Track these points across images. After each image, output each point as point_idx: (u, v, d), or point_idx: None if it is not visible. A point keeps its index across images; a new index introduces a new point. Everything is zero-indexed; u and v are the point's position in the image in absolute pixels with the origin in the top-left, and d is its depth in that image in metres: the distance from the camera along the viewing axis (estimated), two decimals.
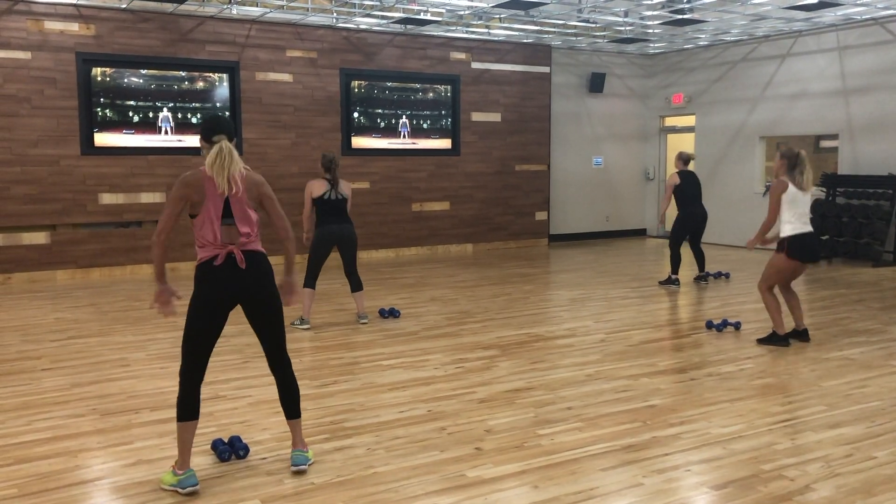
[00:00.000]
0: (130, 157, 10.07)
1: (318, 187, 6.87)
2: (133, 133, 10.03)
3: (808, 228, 6.16)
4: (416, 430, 4.32)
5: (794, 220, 6.10)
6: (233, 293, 3.58)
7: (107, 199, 9.98)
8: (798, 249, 6.12)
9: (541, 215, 13.41)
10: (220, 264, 3.53)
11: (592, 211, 14.34)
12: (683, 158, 9.18)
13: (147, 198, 10.19)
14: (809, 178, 6.13)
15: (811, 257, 6.22)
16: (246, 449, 3.92)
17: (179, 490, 3.47)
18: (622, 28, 11.84)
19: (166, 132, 10.18)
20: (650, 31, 12.03)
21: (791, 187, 6.10)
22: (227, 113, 10.58)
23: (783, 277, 6.30)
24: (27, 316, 7.53)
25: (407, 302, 8.17)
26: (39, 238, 9.68)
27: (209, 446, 4.00)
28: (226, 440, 4.00)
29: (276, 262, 3.82)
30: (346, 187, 6.99)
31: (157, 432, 4.26)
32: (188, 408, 3.54)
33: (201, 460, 3.87)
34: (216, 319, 3.57)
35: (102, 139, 9.90)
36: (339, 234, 6.91)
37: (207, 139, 3.60)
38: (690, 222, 9.16)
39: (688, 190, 9.04)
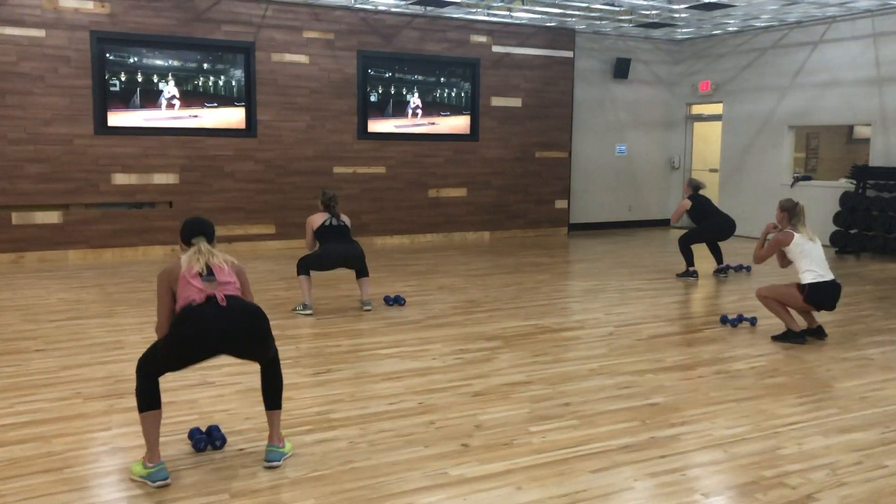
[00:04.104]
0: (144, 137, 10.00)
1: (317, 219, 6.85)
2: (147, 111, 9.94)
3: (830, 276, 5.96)
4: (403, 424, 4.16)
5: (814, 267, 5.91)
6: (215, 334, 3.40)
7: (120, 179, 9.93)
8: (817, 297, 5.93)
9: (560, 203, 13.15)
10: (199, 304, 3.39)
11: (614, 200, 14.05)
12: (693, 186, 9.07)
13: (160, 179, 10.12)
14: (807, 226, 6.00)
15: (829, 306, 6.02)
16: (223, 439, 3.79)
17: (149, 483, 3.35)
18: (648, 12, 11.50)
19: (171, 105, 10.03)
20: (677, 15, 11.68)
21: (797, 237, 5.93)
22: (242, 95, 10.47)
23: (788, 304, 6.06)
24: (31, 295, 7.49)
25: (415, 289, 8.00)
26: (52, 217, 9.66)
27: (186, 435, 3.87)
28: (204, 429, 3.87)
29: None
30: (346, 219, 6.96)
31: (137, 419, 4.11)
32: (149, 398, 3.41)
33: (177, 449, 3.75)
34: (188, 362, 3.48)
35: (116, 119, 9.83)
36: (343, 254, 6.83)
37: (186, 242, 3.58)
38: (711, 233, 8.99)
39: (702, 209, 8.93)
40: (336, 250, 6.80)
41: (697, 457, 3.79)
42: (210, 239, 3.61)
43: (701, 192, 9.08)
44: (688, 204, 8.95)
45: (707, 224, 8.95)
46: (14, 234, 9.46)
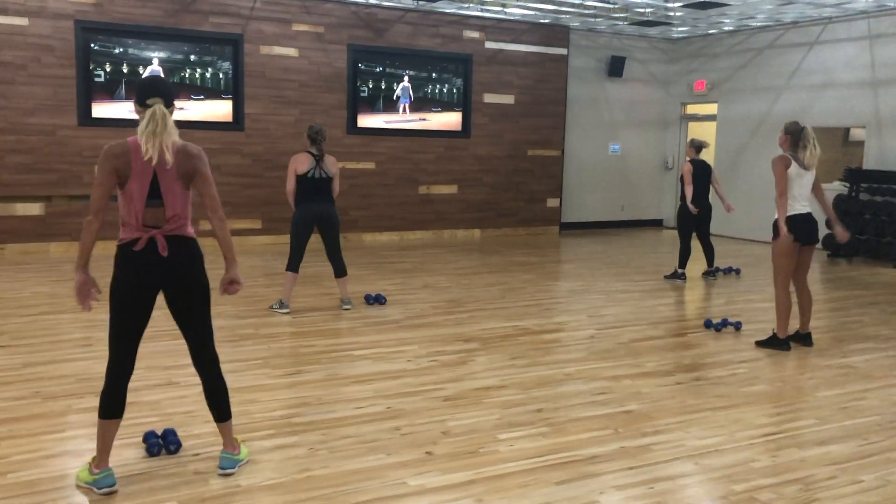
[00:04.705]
0: (129, 129, 9.75)
1: (302, 162, 6.55)
2: (131, 103, 9.78)
3: (806, 209, 5.77)
4: (368, 430, 4.04)
5: (791, 200, 5.71)
6: (153, 281, 3.29)
7: None
8: (798, 230, 5.72)
9: (553, 202, 13.02)
10: (140, 250, 3.25)
11: (607, 199, 13.92)
12: (696, 146, 8.72)
13: None
14: (814, 155, 5.71)
15: (808, 238, 5.82)
16: (178, 444, 3.67)
17: (95, 489, 3.23)
18: (643, 10, 11.37)
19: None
20: (672, 13, 11.54)
21: (794, 164, 5.71)
22: (230, 88, 10.34)
23: (791, 262, 5.82)
24: (6, 289, 7.36)
25: (398, 288, 7.88)
26: (34, 209, 9.53)
27: (142, 438, 3.75)
28: (160, 432, 3.75)
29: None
30: (332, 165, 6.67)
31: (93, 421, 3.96)
32: (112, 405, 3.27)
33: (130, 453, 3.63)
34: (138, 309, 3.30)
35: (100, 110, 9.70)
36: (318, 213, 6.61)
37: (141, 103, 3.27)
38: (692, 215, 8.73)
39: (696, 180, 8.61)
40: (313, 211, 6.58)
41: (667, 469, 3.67)
42: (168, 101, 3.30)
43: (702, 153, 8.79)
44: (690, 168, 8.61)
45: (686, 205, 8.65)
46: None
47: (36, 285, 7.56)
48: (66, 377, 4.76)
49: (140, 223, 3.25)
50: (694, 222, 8.75)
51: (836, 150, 14.49)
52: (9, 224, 9.41)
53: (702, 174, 8.66)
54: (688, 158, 8.76)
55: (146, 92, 3.30)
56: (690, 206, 8.76)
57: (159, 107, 3.23)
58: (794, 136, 5.76)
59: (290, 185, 6.60)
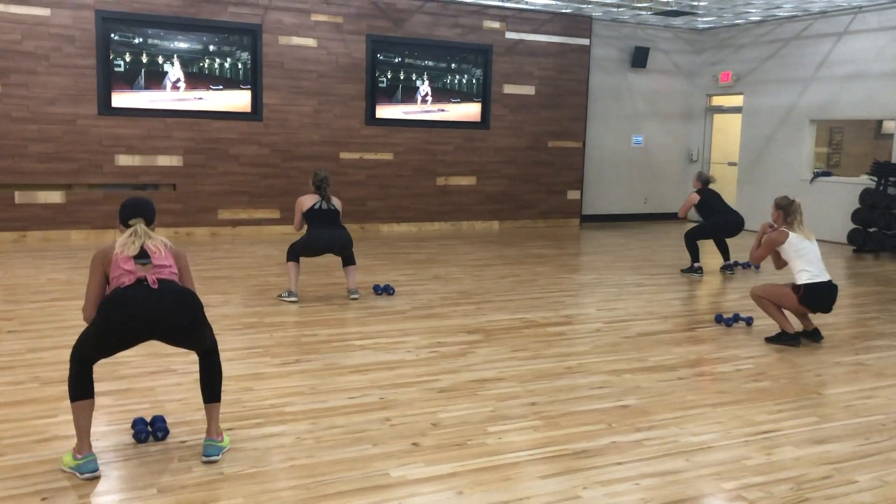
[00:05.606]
0: (148, 118, 9.96)
1: (307, 201, 6.75)
2: (151, 93, 9.90)
3: (826, 277, 5.71)
4: (357, 420, 4.03)
5: (810, 267, 5.67)
6: (144, 318, 3.27)
7: (123, 160, 9.90)
8: (812, 299, 5.69)
9: (573, 194, 12.90)
10: (128, 286, 3.29)
11: (629, 192, 13.76)
12: (702, 179, 8.88)
13: (164, 161, 10.08)
14: (804, 225, 5.76)
15: (825, 308, 5.77)
16: (165, 431, 3.69)
17: (77, 475, 3.26)
18: None
19: (175, 87, 9.98)
20: (697, 3, 11.35)
21: (793, 236, 5.71)
22: (248, 80, 10.38)
23: (782, 305, 5.84)
24: (22, 275, 7.48)
25: (409, 279, 7.87)
26: (55, 197, 9.68)
27: (130, 424, 3.78)
28: (149, 419, 3.78)
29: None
30: (337, 202, 6.85)
31: None
32: (81, 387, 3.32)
33: (117, 439, 3.66)
34: (117, 347, 3.38)
35: (120, 100, 9.80)
36: (330, 240, 6.72)
37: (124, 223, 3.47)
38: (717, 229, 8.77)
39: (710, 204, 8.70)
40: (322, 236, 6.70)
41: (656, 465, 3.61)
42: (149, 221, 3.50)
43: (710, 186, 8.88)
44: (696, 198, 8.74)
45: (713, 220, 8.73)
46: (17, 213, 9.50)
47: (52, 272, 7.67)
48: (67, 363, 4.80)
49: (131, 268, 3.32)
50: (716, 235, 8.85)
51: (868, 142, 14.19)
52: (31, 211, 9.57)
53: (712, 198, 8.75)
54: (695, 189, 8.82)
55: (128, 214, 3.50)
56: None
57: (140, 226, 3.43)
58: (786, 210, 5.79)
59: (297, 225, 6.82)
